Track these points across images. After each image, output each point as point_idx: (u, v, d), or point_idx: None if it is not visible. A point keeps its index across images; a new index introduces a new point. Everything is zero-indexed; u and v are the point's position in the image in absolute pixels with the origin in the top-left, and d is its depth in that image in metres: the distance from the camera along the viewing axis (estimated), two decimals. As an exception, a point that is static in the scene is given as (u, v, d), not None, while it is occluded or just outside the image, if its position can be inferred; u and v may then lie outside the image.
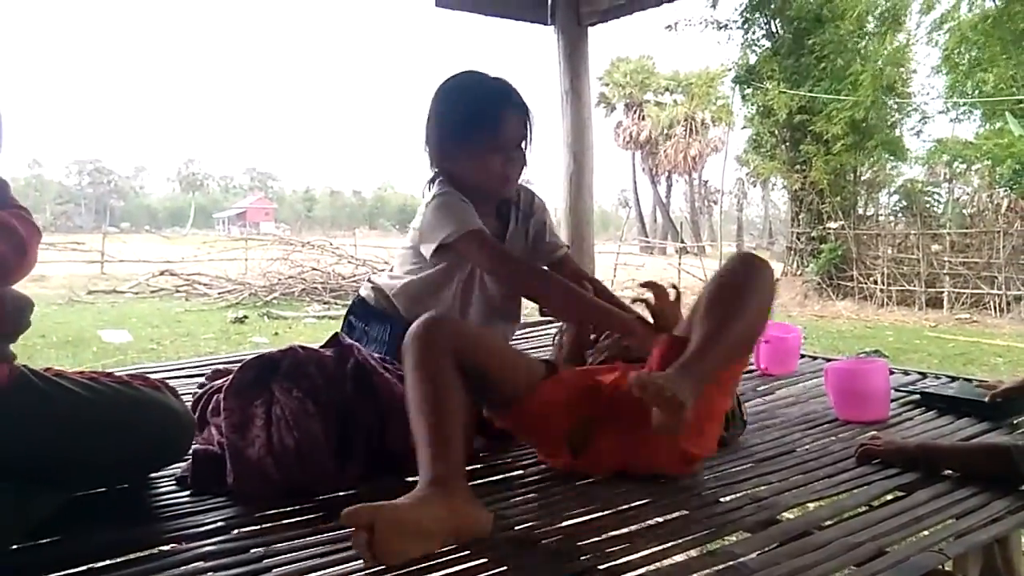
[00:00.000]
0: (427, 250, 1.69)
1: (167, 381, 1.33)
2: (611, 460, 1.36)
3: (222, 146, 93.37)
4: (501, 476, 1.34)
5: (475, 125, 1.65)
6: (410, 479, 1.29)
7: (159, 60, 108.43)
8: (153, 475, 1.32)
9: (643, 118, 29.76)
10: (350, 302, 1.94)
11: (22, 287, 1.09)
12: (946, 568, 1.09)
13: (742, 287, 1.30)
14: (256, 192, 63.18)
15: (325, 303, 10.55)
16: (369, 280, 1.93)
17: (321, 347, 1.47)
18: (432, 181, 1.77)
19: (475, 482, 1.30)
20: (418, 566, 0.98)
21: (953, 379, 2.11)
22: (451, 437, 1.16)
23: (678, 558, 1.02)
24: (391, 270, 1.88)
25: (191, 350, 6.67)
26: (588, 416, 1.37)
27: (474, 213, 1.66)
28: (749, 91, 13.39)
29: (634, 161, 31.86)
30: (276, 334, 7.68)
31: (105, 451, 1.13)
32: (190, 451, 1.33)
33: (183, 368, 2.25)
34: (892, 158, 12.58)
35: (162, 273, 12.40)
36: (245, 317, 8.96)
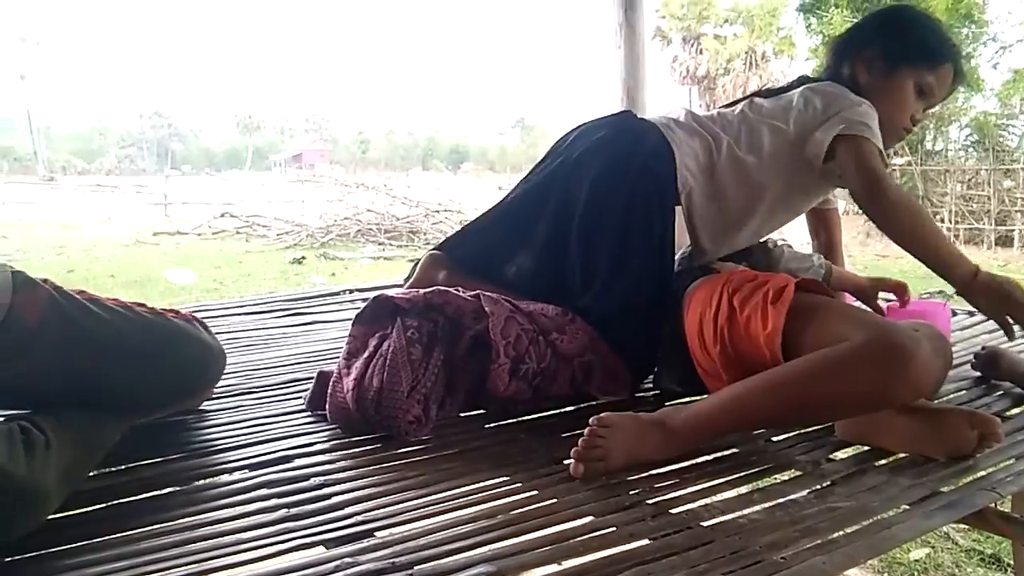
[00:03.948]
0: (826, 135, 1.41)
1: (217, 317, 1.36)
2: None
3: (278, 89, 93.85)
4: (552, 412, 1.36)
5: (932, 58, 1.50)
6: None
7: (211, 3, 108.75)
8: (216, 407, 1.36)
9: (701, 52, 28.75)
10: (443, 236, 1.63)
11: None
12: (1003, 508, 1.08)
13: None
14: (311, 134, 63.61)
15: (380, 244, 10.64)
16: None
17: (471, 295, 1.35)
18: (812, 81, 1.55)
19: (522, 419, 1.33)
20: (466, 498, 1.01)
21: None
22: None
23: (728, 494, 1.03)
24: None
25: (252, 289, 6.85)
26: None
27: None
28: (814, 21, 12.81)
29: (691, 98, 30.95)
30: (333, 275, 7.82)
31: (136, 378, 1.14)
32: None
33: (245, 306, 2.31)
34: (966, 90, 11.95)
35: (223, 215, 12.69)
36: (303, 258, 9.15)
